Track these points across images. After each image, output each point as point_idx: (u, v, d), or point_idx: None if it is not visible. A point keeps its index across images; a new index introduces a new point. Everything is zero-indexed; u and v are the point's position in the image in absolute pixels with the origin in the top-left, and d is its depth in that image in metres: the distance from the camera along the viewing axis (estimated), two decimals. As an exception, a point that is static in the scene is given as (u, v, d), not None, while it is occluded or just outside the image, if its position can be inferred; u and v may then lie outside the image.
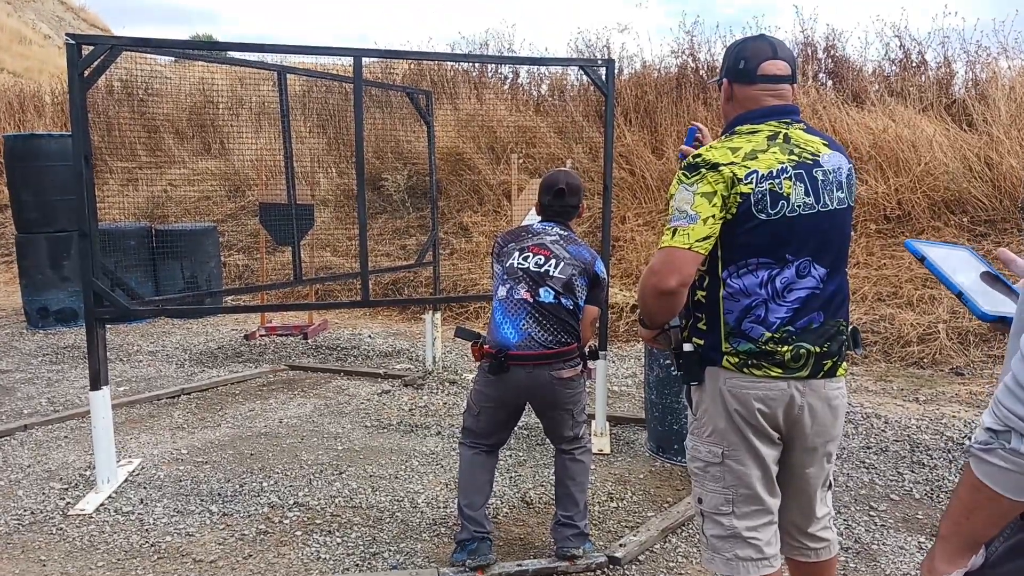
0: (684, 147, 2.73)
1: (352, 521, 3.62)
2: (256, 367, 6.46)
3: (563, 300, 3.00)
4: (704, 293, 2.11)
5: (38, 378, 6.09)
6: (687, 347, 2.15)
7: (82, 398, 5.43)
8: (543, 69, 11.62)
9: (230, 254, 10.08)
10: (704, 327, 2.12)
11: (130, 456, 4.37)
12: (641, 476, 4.15)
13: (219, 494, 3.89)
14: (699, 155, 2.05)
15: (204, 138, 12.81)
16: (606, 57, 4.51)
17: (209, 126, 12.73)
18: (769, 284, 2.04)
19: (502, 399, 3.08)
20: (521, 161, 8.60)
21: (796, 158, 2.05)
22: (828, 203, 2.07)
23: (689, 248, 1.98)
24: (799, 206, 2.03)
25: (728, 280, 2.06)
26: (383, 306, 8.66)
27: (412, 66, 11.79)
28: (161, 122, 12.75)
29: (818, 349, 2.06)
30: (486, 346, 3.05)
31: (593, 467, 4.24)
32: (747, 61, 2.13)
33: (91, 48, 3.74)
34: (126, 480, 4.04)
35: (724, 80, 2.19)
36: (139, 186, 11.50)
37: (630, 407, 5.35)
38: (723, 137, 2.14)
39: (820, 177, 2.07)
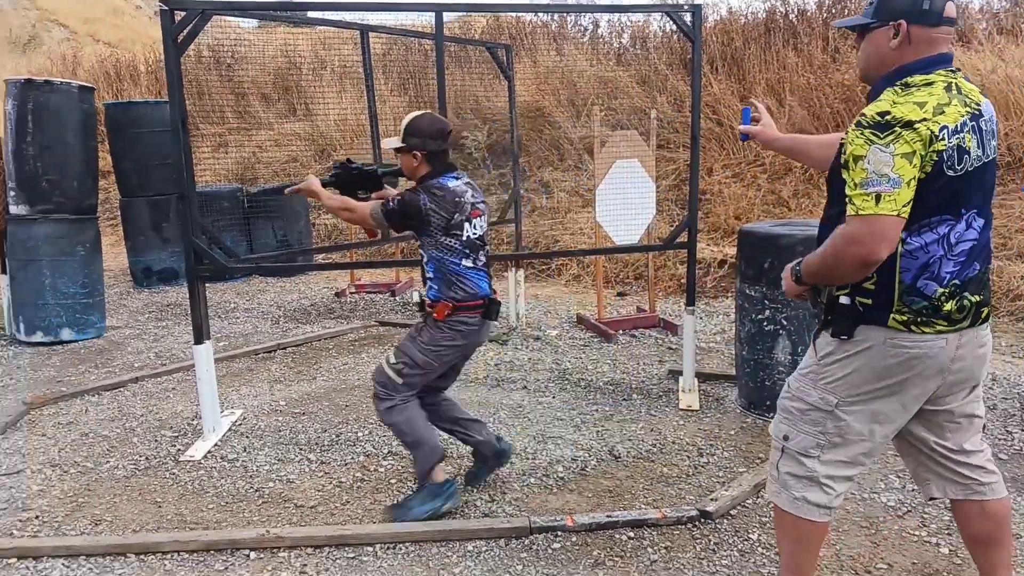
0: (742, 127, 2.70)
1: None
2: (347, 323, 6.64)
3: (489, 252, 3.32)
4: None
5: (145, 334, 6.42)
6: (843, 299, 2.09)
7: (186, 352, 5.71)
8: (623, 18, 11.34)
9: (318, 215, 10.32)
10: (873, 286, 2.05)
11: (232, 407, 4.58)
12: (732, 432, 4.10)
13: (316, 443, 4.04)
14: (886, 112, 1.93)
15: (289, 101, 13.07)
16: (692, 2, 4.35)
17: (293, 89, 12.98)
18: (945, 240, 2.01)
19: (471, 349, 3.32)
20: (603, 114, 8.44)
21: (969, 109, 2.00)
22: (989, 153, 2.04)
23: (896, 214, 1.90)
24: (975, 159, 1.99)
25: (908, 238, 2.00)
26: None
27: (490, 21, 11.70)
28: (248, 87, 13.07)
29: (978, 298, 2.07)
30: (462, 303, 3.13)
31: (683, 423, 4.23)
32: (932, 2, 2.00)
33: (183, 13, 3.84)
34: (230, 429, 4.24)
35: (900, 22, 2.03)
36: (229, 150, 11.87)
37: (719, 363, 5.27)
38: (897, 90, 1.99)
39: (983, 127, 2.03)
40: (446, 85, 4.46)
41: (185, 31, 3.84)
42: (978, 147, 1.99)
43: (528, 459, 3.80)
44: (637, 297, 7.39)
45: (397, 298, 7.60)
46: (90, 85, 6.51)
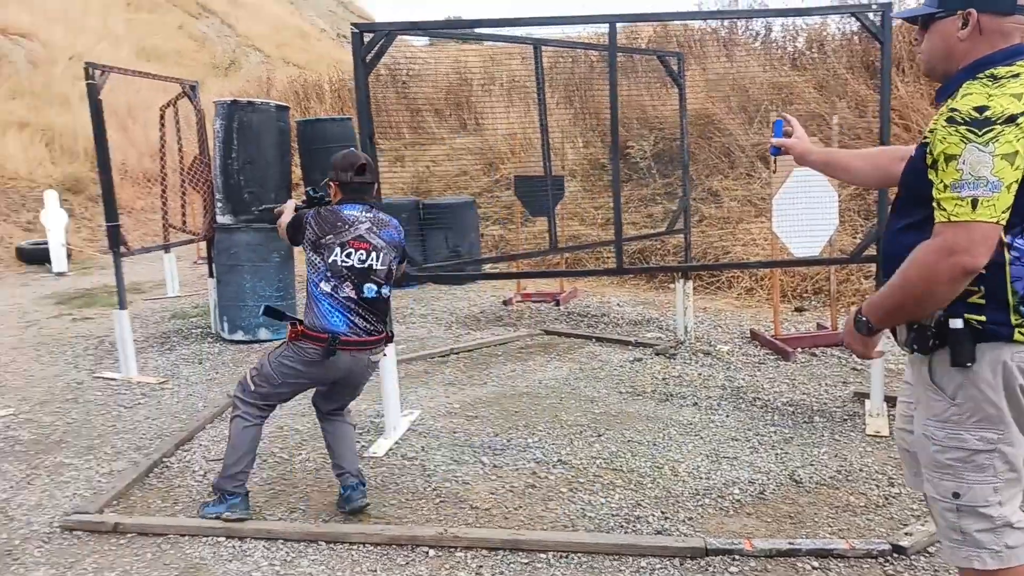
0: (774, 140, 2.53)
1: (614, 483, 3.69)
2: (515, 331, 6.78)
3: (383, 291, 3.33)
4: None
5: (329, 336, 6.86)
6: (955, 324, 1.85)
7: (366, 354, 6.04)
8: (798, 21, 10.86)
9: (486, 225, 10.62)
10: (982, 300, 1.84)
11: (411, 407, 4.80)
12: (925, 460, 3.81)
13: (489, 447, 4.15)
14: (984, 106, 1.74)
15: (460, 116, 13.56)
16: (879, 1, 4.10)
17: (464, 104, 13.45)
18: None
19: (319, 377, 3.35)
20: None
21: None
22: None
23: (996, 221, 1.73)
24: None
25: (1015, 242, 1.82)
26: (636, 273, 8.65)
27: (657, 29, 11.58)
28: (422, 103, 13.69)
29: None
30: (309, 330, 3.22)
31: (870, 449, 3.97)
32: None
33: (371, 35, 4.09)
34: (409, 428, 4.44)
35: (970, 11, 1.86)
36: (405, 163, 12.48)
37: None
38: (986, 82, 1.80)
39: None
40: (606, 95, 4.47)
41: (373, 51, 4.09)
42: None
43: (702, 479, 3.71)
44: (816, 313, 7.04)
45: (561, 308, 7.67)
46: (285, 105, 7.06)
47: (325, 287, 3.24)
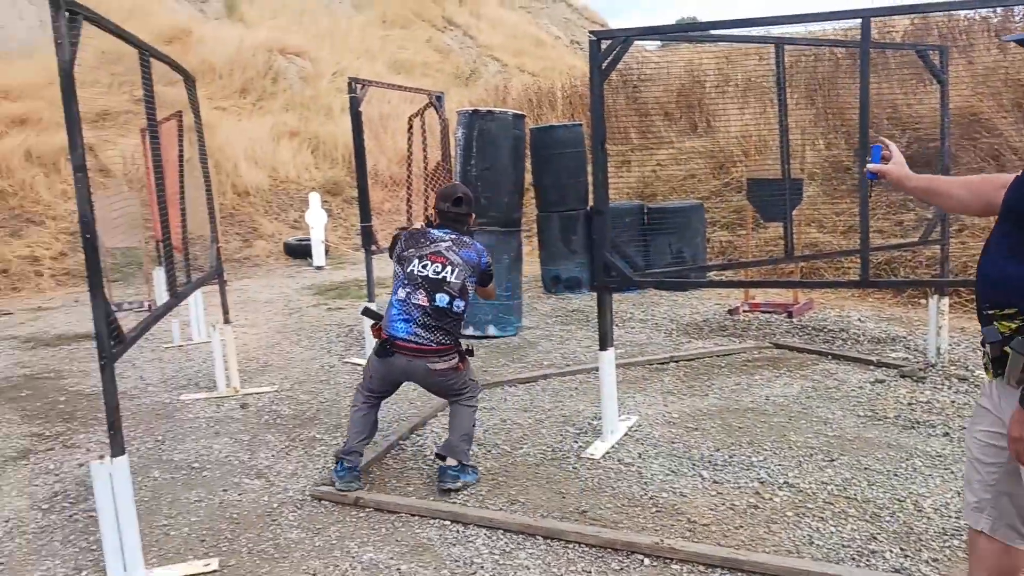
0: (871, 166, 2.48)
1: (847, 512, 3.44)
2: (740, 342, 6.53)
3: (455, 303, 3.60)
4: None
5: (552, 336, 7.03)
6: None
7: (587, 356, 6.12)
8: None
9: (713, 230, 10.32)
10: None
11: (628, 413, 4.79)
12: None
13: (709, 461, 4.03)
14: None
15: (691, 118, 13.29)
16: None
17: (696, 106, 13.16)
18: None
19: (384, 374, 3.71)
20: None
21: None
22: None
23: None
24: None
25: None
26: (884, 287, 7.94)
27: (915, 22, 10.58)
28: (651, 106, 13.59)
29: None
30: (381, 331, 3.66)
31: None
32: None
33: (608, 42, 4.12)
34: (626, 434, 4.44)
35: None
36: (631, 167, 12.46)
37: None
38: None
39: None
40: (854, 92, 4.16)
41: (609, 58, 4.13)
42: None
43: (951, 517, 3.34)
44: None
45: (794, 320, 7.25)
46: (521, 113, 7.33)
47: (400, 294, 3.64)
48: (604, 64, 4.23)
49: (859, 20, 4.16)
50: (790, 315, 7.34)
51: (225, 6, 21.60)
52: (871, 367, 5.66)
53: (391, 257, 3.84)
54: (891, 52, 9.22)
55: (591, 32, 4.30)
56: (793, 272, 7.79)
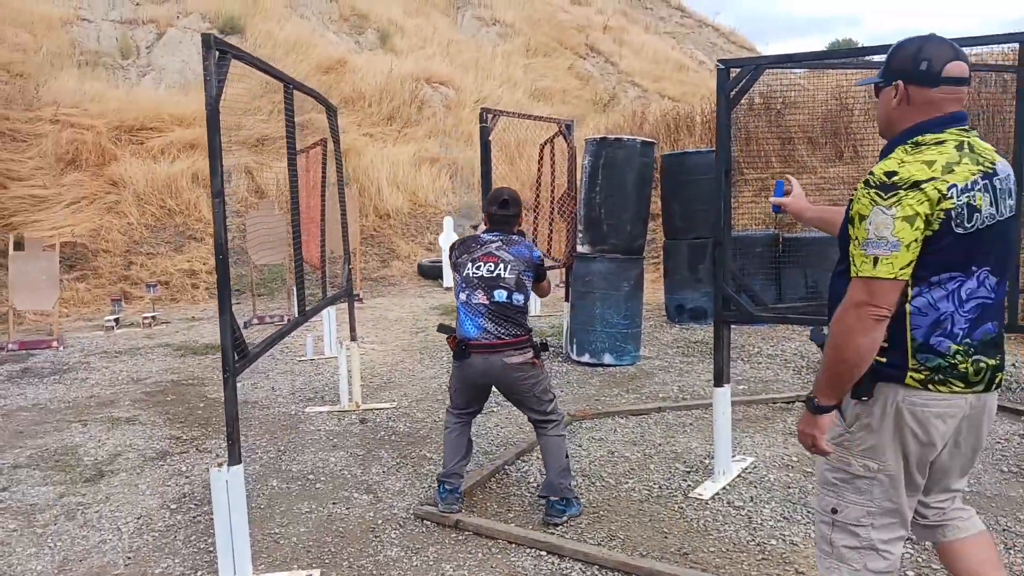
0: (773, 199, 2.79)
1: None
2: (874, 384, 6.12)
3: (514, 297, 3.66)
4: None
5: (671, 367, 6.88)
6: None
7: (706, 390, 5.93)
8: None
9: (855, 263, 9.76)
10: (886, 343, 2.04)
11: (744, 453, 4.60)
12: None
13: (826, 510, 3.80)
14: (893, 171, 1.97)
15: (836, 145, 12.69)
16: None
17: (842, 132, 12.56)
18: (954, 296, 2.02)
19: (466, 379, 3.76)
20: None
21: (982, 168, 2.02)
22: (1004, 212, 2.06)
23: (894, 277, 1.95)
24: (986, 216, 2.00)
25: (917, 296, 2.03)
26: None
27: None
28: (795, 132, 13.08)
29: (994, 362, 2.08)
30: (455, 338, 3.75)
31: None
32: (930, 63, 2.03)
33: (738, 70, 4.03)
34: (738, 475, 4.26)
35: (897, 83, 2.08)
36: (770, 195, 12.02)
37: None
38: (907, 148, 2.04)
39: (998, 186, 2.04)
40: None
41: (738, 87, 4.03)
42: (991, 205, 2.00)
43: (1101, 594, 2.98)
44: None
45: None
46: (651, 140, 7.27)
47: (462, 297, 3.75)
48: (732, 92, 4.14)
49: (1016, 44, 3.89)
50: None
51: (379, 38, 22.78)
52: (1022, 417, 5.16)
53: (451, 267, 3.93)
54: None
55: (720, 60, 4.23)
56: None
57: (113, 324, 9.34)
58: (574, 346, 7.02)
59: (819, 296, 8.21)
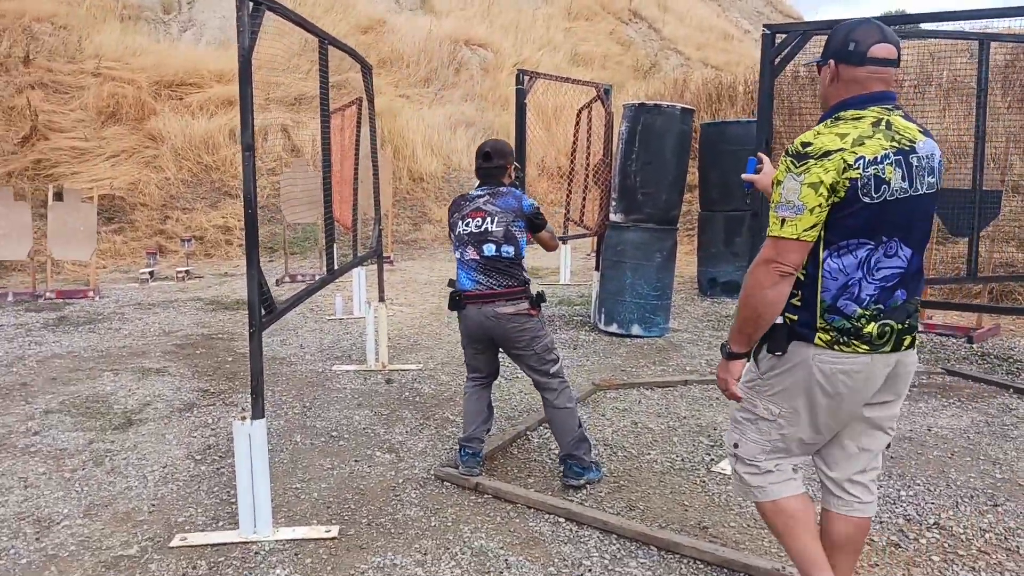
0: (745, 176, 2.86)
1: (1004, 565, 3.07)
2: (909, 365, 5.99)
3: (503, 249, 3.64)
4: (803, 272, 2.23)
5: (701, 340, 6.79)
6: (778, 320, 2.26)
7: (735, 365, 5.84)
8: None
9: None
10: (799, 303, 2.24)
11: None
12: None
13: (851, 490, 3.73)
14: (809, 142, 2.14)
15: (882, 119, 12.33)
16: None
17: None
18: (864, 264, 2.17)
19: (465, 332, 3.80)
20: None
21: (897, 144, 2.14)
22: (919, 188, 2.17)
23: (797, 238, 2.13)
24: (897, 190, 2.13)
25: (828, 260, 2.19)
26: None
27: None
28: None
29: (900, 326, 2.22)
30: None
31: None
32: (857, 43, 2.18)
33: (784, 36, 3.89)
34: (763, 452, 4.19)
35: (830, 61, 2.25)
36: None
37: None
38: (828, 122, 2.20)
39: (915, 163, 2.16)
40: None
41: (783, 54, 3.90)
42: (903, 180, 2.14)
43: None
44: None
45: (975, 345, 6.56)
46: (690, 107, 7.10)
47: (456, 255, 3.77)
48: (776, 60, 4.00)
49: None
50: (971, 340, 6.65)
51: (419, -3, 22.56)
52: (1060, 405, 5.02)
53: (448, 229, 3.93)
54: None
55: (765, 25, 4.09)
56: (979, 294, 7.05)
57: (148, 277, 9.48)
58: (602, 315, 6.96)
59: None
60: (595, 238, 7.34)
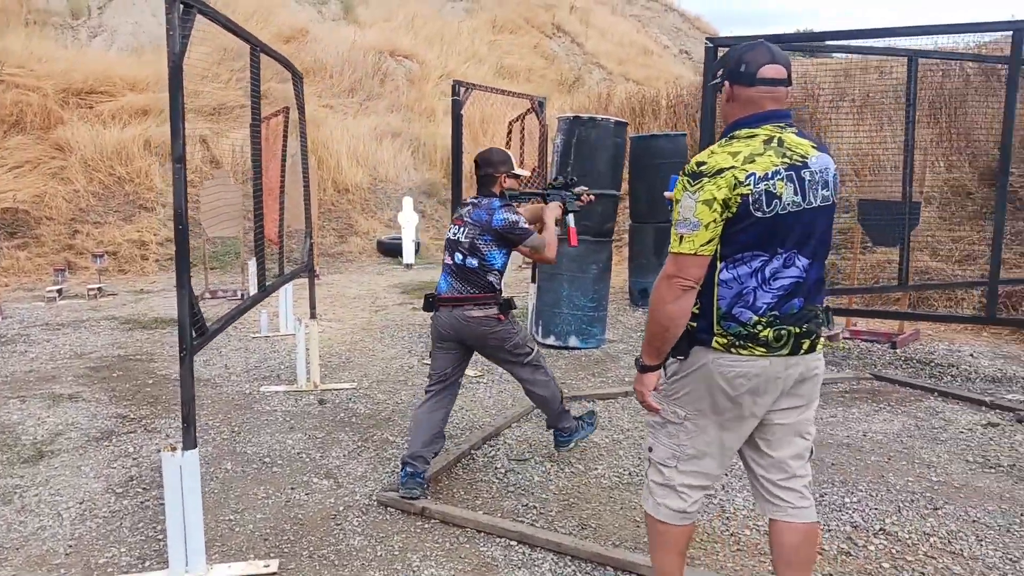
0: (668, 194, 2.87)
1: (950, 569, 3.11)
2: (838, 371, 6.13)
3: (467, 260, 3.74)
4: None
5: (636, 351, 6.71)
6: None
7: (673, 376, 5.85)
8: None
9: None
10: (697, 311, 2.31)
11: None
12: None
13: (798, 500, 3.74)
14: (703, 162, 2.22)
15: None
16: None
17: (807, 120, 12.59)
18: (759, 273, 2.26)
19: (436, 333, 3.82)
20: None
21: (788, 160, 2.23)
22: (813, 201, 2.26)
23: (695, 253, 2.22)
24: (789, 204, 2.23)
25: (723, 270, 2.27)
26: (1013, 326, 7.25)
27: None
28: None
29: (797, 330, 2.30)
30: None
31: None
32: (747, 64, 2.29)
33: (726, 50, 3.91)
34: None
35: (725, 82, 2.35)
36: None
37: None
38: (723, 141, 2.30)
39: (807, 177, 2.25)
40: (982, 113, 3.80)
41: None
42: (795, 194, 2.22)
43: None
44: None
45: (899, 351, 6.78)
46: (623, 121, 7.13)
47: (446, 259, 3.86)
48: (719, 72, 4.02)
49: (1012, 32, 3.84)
50: (894, 345, 6.87)
51: (343, 7, 22.21)
52: (983, 408, 5.20)
53: None
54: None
55: (708, 38, 4.12)
56: (900, 301, 7.29)
57: (56, 295, 8.94)
58: (540, 328, 6.90)
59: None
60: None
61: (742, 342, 2.27)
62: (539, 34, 26.34)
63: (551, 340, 6.80)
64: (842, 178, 10.64)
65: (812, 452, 2.50)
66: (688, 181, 2.23)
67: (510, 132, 7.68)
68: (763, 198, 2.19)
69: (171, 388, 5.52)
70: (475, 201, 3.82)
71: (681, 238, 2.23)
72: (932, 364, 6.37)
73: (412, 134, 16.77)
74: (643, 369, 2.41)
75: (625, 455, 4.32)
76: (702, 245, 2.22)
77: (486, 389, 5.59)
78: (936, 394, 5.52)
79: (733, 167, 2.18)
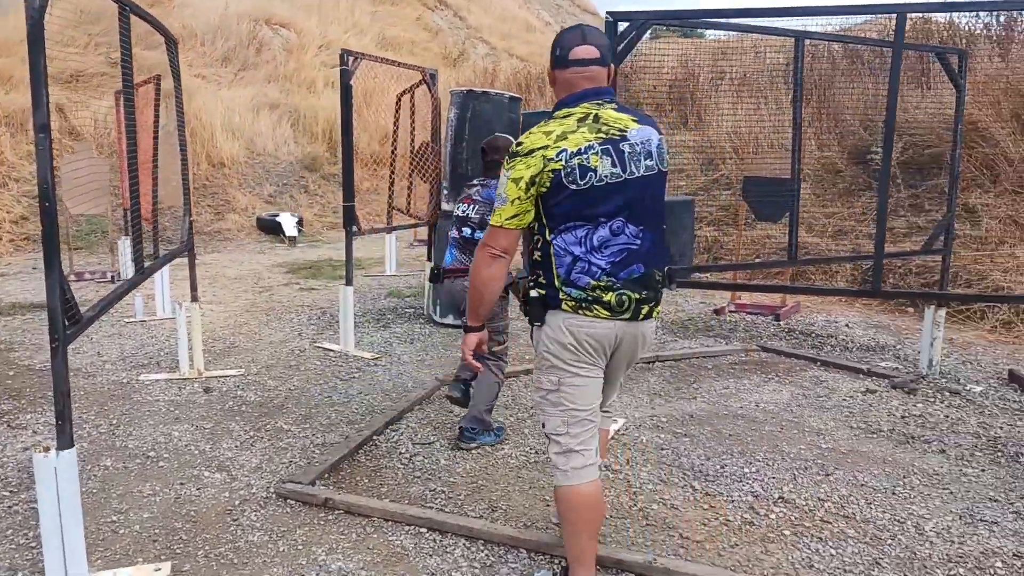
0: None
1: (845, 533, 3.25)
2: (726, 343, 6.34)
3: (476, 234, 3.96)
4: (539, 253, 2.47)
5: (535, 329, 6.78)
6: (533, 293, 2.51)
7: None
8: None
9: (700, 227, 10.12)
10: (543, 280, 2.47)
11: (615, 416, 4.56)
12: None
13: (700, 471, 3.83)
14: (521, 142, 2.38)
15: (681, 111, 13.07)
16: None
17: (688, 100, 12.94)
18: (586, 241, 2.39)
19: (443, 303, 4.20)
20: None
21: (604, 135, 2.37)
22: (635, 171, 2.39)
23: (501, 226, 2.41)
24: (606, 175, 2.36)
25: (554, 241, 2.42)
26: (896, 299, 7.64)
27: (917, 24, 10.44)
28: (644, 98, 13.33)
29: (638, 296, 2.46)
30: None
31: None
32: (561, 48, 2.43)
33: (626, 24, 3.88)
34: (612, 437, 4.21)
35: (548, 67, 2.50)
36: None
37: None
38: (543, 123, 2.42)
39: (627, 149, 2.38)
40: (852, 95, 3.97)
41: (625, 42, 3.88)
42: (613, 166, 2.36)
43: (953, 542, 3.17)
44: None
45: (781, 323, 7.09)
46: (518, 96, 7.04)
47: (453, 232, 4.15)
48: (619, 48, 3.98)
49: (893, 15, 3.99)
50: (777, 318, 7.18)
51: (210, -29, 20.94)
52: (861, 376, 5.50)
53: None
54: (887, 53, 9.06)
55: (608, 13, 4.06)
56: (781, 275, 7.62)
57: None
58: (437, 307, 6.76)
59: (671, 260, 8.41)
60: (429, 227, 7.10)
61: (587, 305, 2.42)
62: (421, 6, 25.84)
63: (450, 319, 6.68)
64: (722, 156, 11.02)
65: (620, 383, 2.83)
66: (507, 160, 2.39)
67: (398, 105, 7.44)
68: (576, 171, 2.33)
69: (36, 380, 5.04)
70: (484, 182, 4.14)
71: (495, 212, 2.42)
72: (813, 335, 6.70)
73: (291, 105, 16.10)
74: (467, 330, 2.65)
75: (530, 433, 4.29)
76: (507, 219, 2.39)
77: (384, 372, 5.43)
78: (819, 363, 5.79)
79: (545, 146, 2.32)
